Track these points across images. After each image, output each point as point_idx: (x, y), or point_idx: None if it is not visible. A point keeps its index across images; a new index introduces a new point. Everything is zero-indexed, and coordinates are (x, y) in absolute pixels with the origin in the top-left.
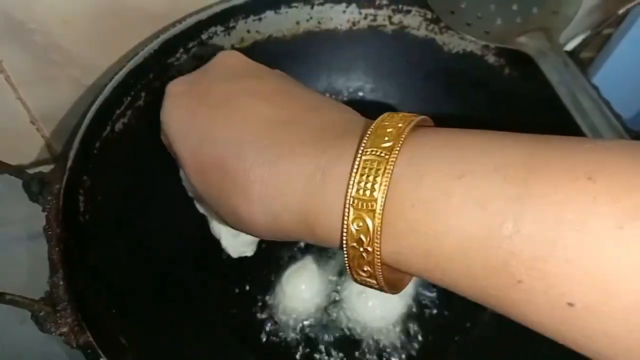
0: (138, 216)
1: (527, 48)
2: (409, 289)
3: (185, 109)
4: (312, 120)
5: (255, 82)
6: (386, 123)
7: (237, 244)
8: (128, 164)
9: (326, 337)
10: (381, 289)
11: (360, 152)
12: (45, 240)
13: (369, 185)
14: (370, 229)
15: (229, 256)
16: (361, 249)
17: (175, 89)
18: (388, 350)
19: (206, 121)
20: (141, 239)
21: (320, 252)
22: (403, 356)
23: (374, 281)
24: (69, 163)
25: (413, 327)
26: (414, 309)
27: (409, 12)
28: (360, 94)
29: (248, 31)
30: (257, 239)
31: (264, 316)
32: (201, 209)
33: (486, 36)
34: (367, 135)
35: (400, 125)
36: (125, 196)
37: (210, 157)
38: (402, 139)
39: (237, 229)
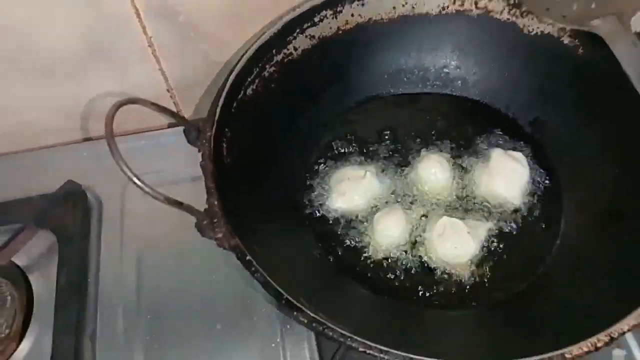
0: (265, 162)
1: (600, 30)
2: (482, 237)
3: None
4: None
5: None
6: None
7: None
8: (257, 121)
9: (407, 266)
10: None
11: None
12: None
13: None
14: None
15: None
16: None
17: None
18: (459, 280)
19: None
20: (267, 181)
21: (404, 197)
22: (467, 288)
23: None
24: (216, 116)
25: (483, 268)
26: (486, 254)
27: None
28: (446, 70)
29: (352, 15)
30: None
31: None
32: None
33: (563, 19)
34: None
35: None
36: (255, 145)
37: None
38: None
39: None
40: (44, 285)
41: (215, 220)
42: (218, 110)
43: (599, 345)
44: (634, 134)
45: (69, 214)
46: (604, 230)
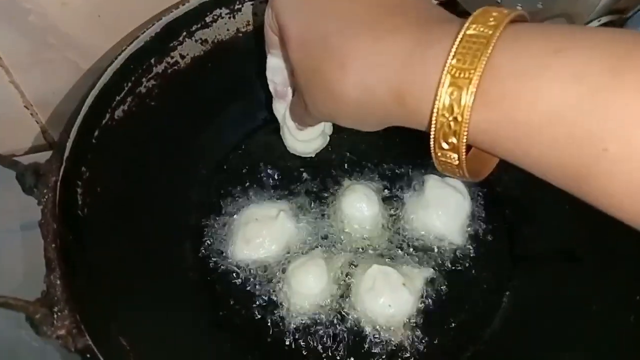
0: (139, 208)
1: None
2: (419, 288)
3: None
4: (419, 6)
5: None
6: (490, 10)
7: (299, 143)
8: (129, 154)
9: (332, 332)
10: (460, 172)
11: (465, 27)
12: (41, 236)
13: (468, 57)
14: (463, 97)
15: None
16: (450, 118)
17: None
18: (394, 349)
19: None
20: (141, 232)
21: (329, 247)
22: (407, 355)
23: (455, 156)
24: (66, 153)
25: (423, 329)
26: (425, 310)
27: None
28: None
29: (255, 14)
30: (319, 139)
31: (268, 313)
32: (276, 109)
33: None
34: (472, 18)
35: (505, 12)
36: (125, 187)
37: (316, 32)
38: (508, 19)
39: (322, 111)
40: None
41: (56, 310)
42: (69, 143)
43: None
44: None
45: None
46: (560, 275)
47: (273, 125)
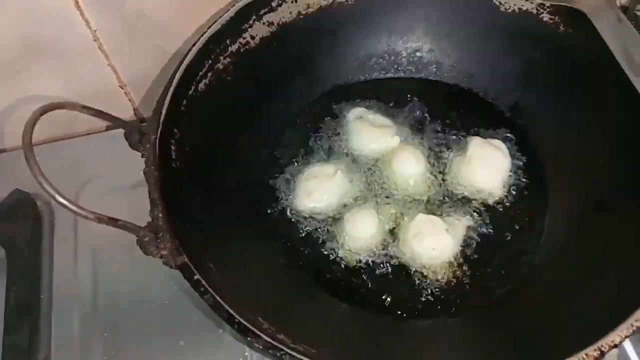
0: (219, 164)
1: (582, 5)
2: (461, 233)
3: None
4: None
5: None
6: None
7: None
8: (210, 120)
9: (383, 270)
10: None
11: None
12: (145, 181)
13: None
14: None
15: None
16: None
17: None
18: (438, 286)
19: None
20: (222, 183)
21: (377, 195)
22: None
23: None
24: (162, 117)
25: (463, 270)
26: (466, 254)
27: None
28: (419, 54)
29: None
30: None
31: (327, 254)
32: None
33: None
34: None
35: None
36: (207, 146)
37: None
38: None
39: None
40: None
41: (159, 235)
42: (164, 109)
43: None
44: (621, 119)
45: (18, 225)
46: (591, 224)
47: (331, 95)
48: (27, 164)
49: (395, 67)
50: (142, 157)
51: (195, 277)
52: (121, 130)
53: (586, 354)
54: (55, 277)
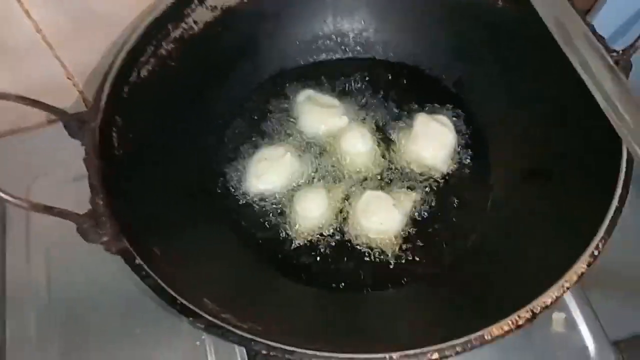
0: (164, 150)
1: None
2: (408, 208)
3: None
4: None
5: None
6: None
7: None
8: (154, 106)
9: (333, 247)
10: None
11: None
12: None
13: None
14: None
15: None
16: None
17: None
18: (386, 258)
19: None
20: (168, 169)
21: (326, 175)
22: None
23: None
24: (102, 104)
25: (412, 242)
26: (413, 227)
27: None
28: (365, 34)
29: None
30: None
31: (278, 234)
32: None
33: None
34: None
35: None
36: (152, 133)
37: None
38: None
39: None
40: None
41: (100, 222)
42: (104, 96)
43: (520, 322)
44: (557, 89)
45: None
46: (529, 193)
47: (277, 79)
48: None
49: (343, 48)
50: (81, 145)
51: (136, 261)
52: None
53: (518, 316)
54: (8, 273)
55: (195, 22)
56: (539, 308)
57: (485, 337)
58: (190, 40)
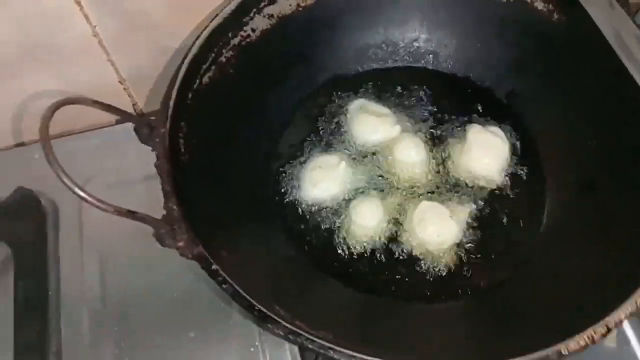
0: (224, 155)
1: None
2: (463, 220)
3: None
4: None
5: None
6: None
7: None
8: (214, 113)
9: (388, 256)
10: None
11: None
12: (158, 174)
13: None
14: None
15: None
16: None
17: None
18: (442, 270)
19: None
20: (229, 174)
21: (380, 184)
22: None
23: None
24: (170, 110)
25: (466, 254)
26: (468, 239)
27: None
28: (416, 44)
29: None
30: None
31: (333, 241)
32: None
33: None
34: None
35: None
36: (213, 138)
37: None
38: None
39: None
40: (0, 301)
41: (175, 227)
42: (171, 103)
43: (596, 337)
44: (612, 103)
45: (22, 224)
46: (587, 205)
47: (330, 86)
48: (47, 159)
49: (394, 57)
50: (152, 150)
51: (213, 266)
52: (123, 126)
53: (594, 331)
54: (63, 274)
55: (253, 30)
56: (613, 323)
57: (562, 351)
58: (247, 48)
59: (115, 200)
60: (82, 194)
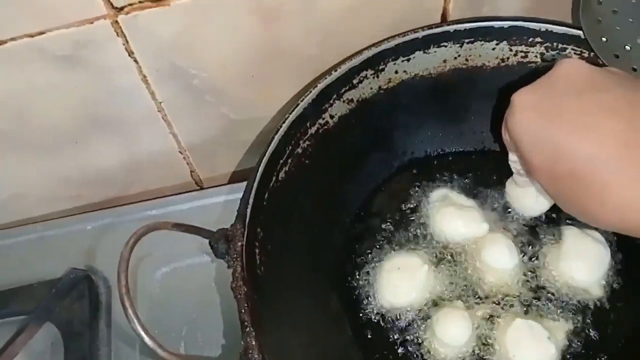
0: (299, 260)
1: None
2: (562, 341)
3: (537, 122)
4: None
5: (604, 96)
6: None
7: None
8: (288, 210)
9: None
10: None
11: None
12: (234, 298)
13: None
14: None
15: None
16: None
17: (523, 101)
18: None
19: (561, 136)
20: (295, 283)
21: (469, 297)
22: None
23: None
24: (247, 219)
25: None
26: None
27: (564, 49)
28: None
29: (396, 72)
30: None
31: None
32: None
33: (634, 72)
34: None
35: None
36: (286, 240)
37: (564, 168)
38: None
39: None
40: None
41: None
42: (248, 210)
43: None
44: None
45: (74, 306)
46: None
47: (408, 172)
48: (125, 313)
49: (478, 140)
50: (228, 267)
51: None
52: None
53: None
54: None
55: (331, 116)
56: None
57: None
58: (324, 136)
59: (173, 283)
60: (154, 346)
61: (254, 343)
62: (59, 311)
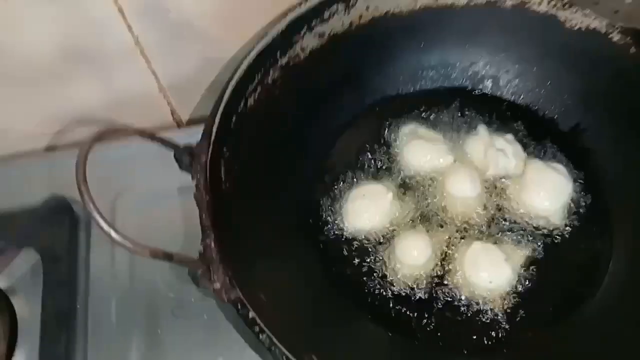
0: (265, 183)
1: None
2: (518, 265)
3: None
4: None
5: None
6: None
7: None
8: (257, 136)
9: (433, 300)
10: None
11: None
12: (196, 205)
13: None
14: None
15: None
16: None
17: None
18: (491, 319)
19: None
20: (268, 203)
21: (429, 218)
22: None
23: None
24: (213, 136)
25: (519, 304)
26: (523, 287)
27: None
28: (474, 68)
29: (367, 8)
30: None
31: (373, 278)
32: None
33: (614, 15)
34: None
35: None
36: (253, 165)
37: None
38: None
39: None
40: (28, 310)
41: (212, 267)
42: (214, 128)
43: None
44: None
45: (54, 232)
46: None
47: (378, 109)
48: (82, 199)
49: (449, 79)
50: (192, 179)
51: (250, 314)
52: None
53: None
54: (92, 285)
55: (302, 49)
56: None
57: None
58: (295, 68)
59: (147, 216)
60: (118, 238)
61: (212, 245)
62: (38, 236)
